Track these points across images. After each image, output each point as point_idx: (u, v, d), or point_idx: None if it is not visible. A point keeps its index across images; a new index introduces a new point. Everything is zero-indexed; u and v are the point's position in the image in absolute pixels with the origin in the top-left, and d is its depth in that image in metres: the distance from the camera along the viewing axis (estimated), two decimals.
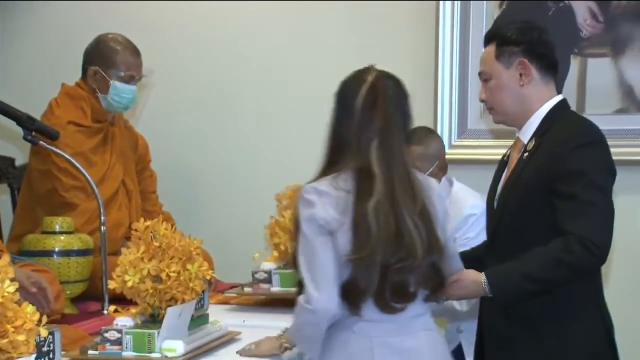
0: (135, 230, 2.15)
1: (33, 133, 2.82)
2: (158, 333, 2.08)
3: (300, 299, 2.04)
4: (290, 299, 2.76)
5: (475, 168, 3.44)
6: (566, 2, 3.55)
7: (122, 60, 3.19)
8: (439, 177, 3.10)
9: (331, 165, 2.09)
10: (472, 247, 2.68)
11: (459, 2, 3.65)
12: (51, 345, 1.82)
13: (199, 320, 2.27)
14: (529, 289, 2.24)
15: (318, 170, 2.10)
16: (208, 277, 2.24)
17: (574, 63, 3.55)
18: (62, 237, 2.81)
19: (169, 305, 2.11)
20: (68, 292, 2.77)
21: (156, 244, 2.12)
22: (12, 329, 1.57)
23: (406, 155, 2.10)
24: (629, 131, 3.48)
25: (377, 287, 2.00)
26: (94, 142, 3.20)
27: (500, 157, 2.59)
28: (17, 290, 1.59)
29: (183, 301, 2.13)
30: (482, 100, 2.52)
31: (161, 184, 3.55)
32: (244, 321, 2.55)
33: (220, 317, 2.46)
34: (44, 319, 1.66)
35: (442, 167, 3.19)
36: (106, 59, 3.19)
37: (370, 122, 2.06)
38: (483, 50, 2.49)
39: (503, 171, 2.52)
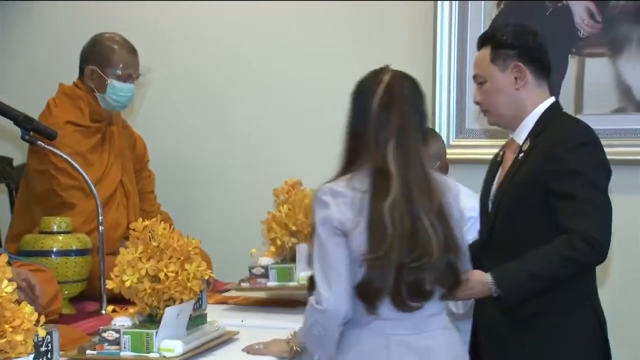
0: (134, 230, 2.14)
1: (31, 133, 2.81)
2: (156, 333, 2.08)
3: (311, 299, 2.04)
4: (289, 299, 2.79)
5: (473, 168, 3.43)
6: (564, 2, 3.55)
7: (119, 59, 3.18)
8: None
9: (349, 165, 2.09)
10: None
11: (456, 2, 3.65)
12: (49, 345, 1.82)
13: (197, 320, 2.27)
14: (535, 287, 2.27)
15: (336, 171, 2.10)
16: (206, 277, 2.24)
17: (572, 63, 3.54)
18: (60, 237, 2.81)
19: (167, 305, 2.11)
20: (66, 292, 2.76)
21: (154, 243, 2.12)
22: (10, 329, 1.56)
23: (423, 155, 2.09)
24: (627, 131, 3.48)
25: (393, 286, 2.00)
26: (92, 142, 3.19)
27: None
28: (14, 290, 1.59)
29: (181, 301, 2.13)
30: (477, 103, 2.54)
31: (158, 183, 3.54)
32: (242, 321, 2.55)
33: (219, 317, 2.46)
34: (42, 319, 1.66)
35: (443, 168, 3.19)
36: (103, 58, 3.18)
37: (387, 122, 2.05)
38: (477, 53, 2.50)
39: (496, 171, 2.53)
